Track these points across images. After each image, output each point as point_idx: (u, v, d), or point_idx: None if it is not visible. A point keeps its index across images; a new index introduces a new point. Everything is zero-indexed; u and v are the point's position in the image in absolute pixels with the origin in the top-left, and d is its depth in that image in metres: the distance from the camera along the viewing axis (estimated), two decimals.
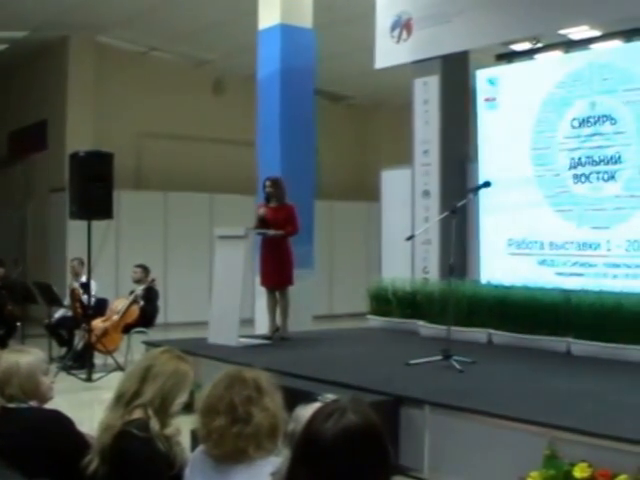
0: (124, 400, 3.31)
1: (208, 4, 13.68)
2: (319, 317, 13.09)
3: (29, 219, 18.05)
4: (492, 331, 9.60)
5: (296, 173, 11.17)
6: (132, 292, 11.52)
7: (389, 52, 11.38)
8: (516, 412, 5.77)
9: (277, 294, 10.02)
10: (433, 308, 10.16)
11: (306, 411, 2.49)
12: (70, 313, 11.68)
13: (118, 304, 11.49)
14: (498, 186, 9.24)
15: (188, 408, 3.40)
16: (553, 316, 8.98)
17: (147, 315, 11.43)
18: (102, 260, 11.41)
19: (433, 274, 10.91)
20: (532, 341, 9.05)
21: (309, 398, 2.63)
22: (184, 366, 3.44)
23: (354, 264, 18.13)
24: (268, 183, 9.93)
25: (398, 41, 11.26)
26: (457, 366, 7.51)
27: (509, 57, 10.79)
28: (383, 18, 11.49)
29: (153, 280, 11.63)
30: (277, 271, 9.86)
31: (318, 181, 12.73)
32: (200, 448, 3.10)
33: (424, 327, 10.35)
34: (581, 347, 8.64)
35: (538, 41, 10.57)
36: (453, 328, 8.19)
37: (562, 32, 10.63)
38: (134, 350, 10.57)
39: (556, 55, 10.36)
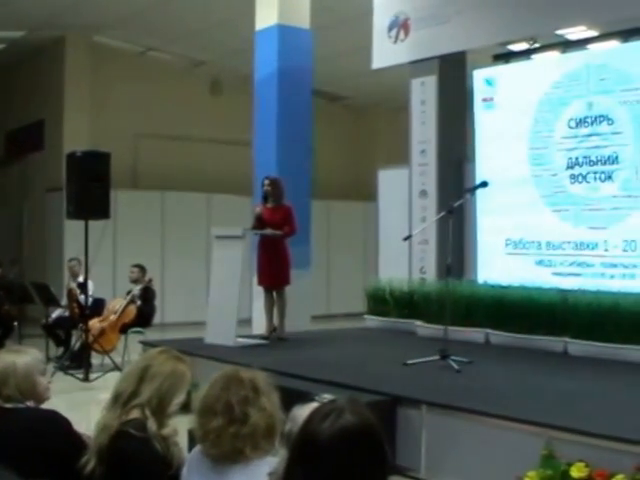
0: (121, 400, 3.31)
1: (205, 4, 13.68)
2: (316, 317, 13.08)
3: (26, 219, 18.03)
4: (489, 331, 9.61)
5: (293, 173, 11.17)
6: (129, 292, 11.52)
7: (386, 52, 11.38)
8: (513, 412, 5.77)
9: (274, 294, 10.02)
10: (430, 308, 10.16)
11: (303, 411, 2.49)
12: (67, 313, 11.67)
13: (115, 304, 11.48)
14: (495, 186, 9.25)
15: (185, 408, 3.40)
16: (550, 316, 8.98)
17: (144, 315, 11.43)
18: (99, 260, 11.41)
19: (430, 274, 10.91)
20: (529, 341, 9.05)
21: (306, 398, 2.63)
22: (181, 366, 3.44)
23: (351, 264, 18.13)
24: (267, 182, 9.92)
25: (395, 41, 11.26)
26: (454, 366, 7.51)
27: (506, 57, 10.79)
28: (380, 18, 11.49)
29: (150, 280, 11.64)
30: (274, 271, 9.86)
31: (315, 181, 12.73)
32: (197, 448, 3.10)
33: (421, 327, 10.36)
34: (578, 347, 8.64)
35: (535, 41, 10.59)
36: (450, 328, 8.18)
37: (559, 32, 10.64)
38: (131, 350, 10.56)
39: (553, 55, 10.36)
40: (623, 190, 8.83)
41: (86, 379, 10.17)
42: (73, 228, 12.46)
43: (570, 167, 9.36)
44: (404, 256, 11.15)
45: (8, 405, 3.51)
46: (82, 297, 11.06)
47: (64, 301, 11.83)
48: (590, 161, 9.14)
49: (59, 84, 16.37)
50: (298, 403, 2.68)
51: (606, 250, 8.98)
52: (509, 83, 10.26)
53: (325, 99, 18.49)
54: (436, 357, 7.70)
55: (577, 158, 9.29)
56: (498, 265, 10.21)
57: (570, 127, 9.39)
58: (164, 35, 15.96)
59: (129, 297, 11.37)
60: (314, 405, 2.33)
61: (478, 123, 10.61)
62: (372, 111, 19.99)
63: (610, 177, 8.94)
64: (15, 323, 11.78)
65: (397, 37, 11.24)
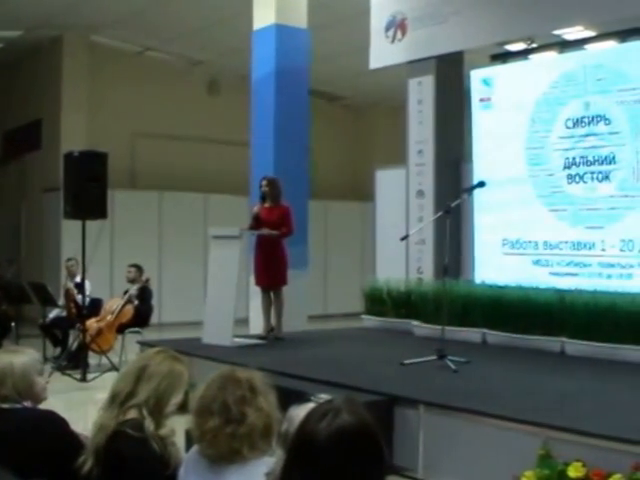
0: (118, 400, 3.31)
1: (203, 4, 13.67)
2: (313, 317, 13.07)
3: (23, 219, 18.01)
4: (486, 331, 9.61)
5: (290, 173, 11.16)
6: (126, 292, 11.51)
7: (384, 52, 11.39)
8: (510, 412, 5.78)
9: (272, 294, 10.02)
10: (427, 308, 10.17)
11: (300, 411, 2.49)
12: (64, 313, 11.66)
13: (113, 304, 11.47)
14: (492, 186, 9.26)
15: (183, 408, 3.40)
16: (547, 316, 8.98)
17: (141, 315, 11.42)
18: (96, 260, 11.40)
19: (427, 274, 10.91)
20: (526, 341, 9.05)
21: (303, 398, 2.62)
22: (179, 366, 3.43)
23: (348, 264, 18.13)
24: (264, 182, 9.92)
25: (393, 41, 11.27)
26: (451, 366, 7.51)
27: (504, 57, 10.80)
28: (378, 18, 11.50)
29: (147, 280, 11.63)
30: (271, 271, 9.86)
31: (312, 181, 12.73)
32: (194, 448, 3.09)
33: (418, 327, 10.36)
34: (575, 347, 8.65)
35: (533, 41, 10.60)
36: (447, 328, 8.20)
37: (556, 32, 10.64)
38: (128, 350, 10.56)
39: (550, 55, 10.37)
40: (620, 190, 8.84)
41: (83, 379, 10.15)
42: (70, 228, 12.46)
43: (567, 167, 9.37)
44: (401, 256, 11.16)
45: (5, 405, 3.50)
46: (79, 297, 11.06)
47: (61, 301, 11.82)
48: (587, 161, 9.15)
49: (57, 84, 16.35)
50: (295, 403, 2.68)
51: (603, 250, 8.99)
52: (506, 83, 10.27)
53: (322, 99, 18.47)
54: (433, 357, 7.70)
55: (574, 158, 9.30)
56: (495, 265, 10.22)
57: (567, 127, 9.40)
58: (162, 35, 15.95)
59: (126, 297, 11.37)
60: (311, 405, 2.33)
61: (475, 123, 10.62)
62: (370, 111, 19.99)
63: (607, 177, 8.95)
64: (12, 323, 11.78)
65: (394, 37, 11.24)
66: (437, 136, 11.05)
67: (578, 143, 9.28)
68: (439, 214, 8.58)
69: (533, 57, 10.58)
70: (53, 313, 11.88)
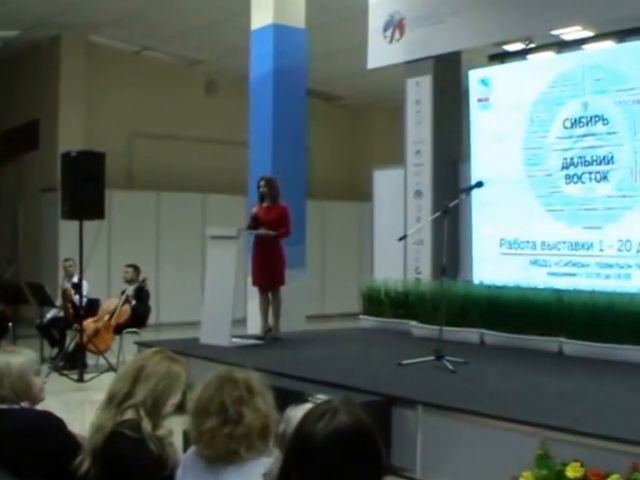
0: (116, 401, 3.30)
1: (201, 4, 13.66)
2: (311, 317, 13.07)
3: (21, 219, 17.99)
4: (484, 331, 9.61)
5: (288, 173, 11.15)
6: (124, 292, 11.50)
7: (381, 52, 11.38)
8: (508, 412, 5.77)
9: (269, 294, 10.01)
10: (425, 308, 10.17)
11: (297, 412, 2.49)
12: (62, 313, 11.65)
13: (110, 304, 11.47)
14: (490, 186, 9.25)
15: (180, 409, 3.39)
16: (545, 316, 8.98)
17: (139, 315, 11.40)
18: (94, 260, 11.37)
19: (425, 274, 10.91)
20: (524, 341, 9.05)
21: (300, 399, 2.62)
22: (176, 367, 3.43)
23: (346, 264, 18.12)
24: (262, 183, 9.91)
25: (390, 41, 11.26)
26: (449, 366, 7.51)
27: (502, 57, 10.80)
28: (375, 18, 11.49)
29: (144, 280, 11.62)
30: (269, 271, 9.85)
31: (310, 181, 12.73)
32: (192, 449, 3.09)
33: (416, 327, 10.35)
34: (573, 347, 8.64)
35: (531, 41, 10.59)
36: (445, 328, 8.19)
37: (555, 32, 10.64)
38: (126, 351, 10.54)
39: (548, 55, 10.37)
40: (618, 190, 8.84)
41: (80, 380, 10.14)
42: (68, 228, 12.43)
43: (565, 167, 9.37)
44: (399, 256, 11.16)
45: (2, 406, 3.49)
46: (77, 297, 11.05)
47: (59, 301, 11.80)
48: (585, 161, 9.15)
49: (54, 84, 16.32)
50: (292, 403, 2.68)
51: (601, 250, 8.99)
52: (504, 83, 10.27)
53: (320, 99, 18.47)
54: (431, 357, 7.69)
55: (572, 158, 9.30)
56: (493, 265, 10.22)
57: (565, 127, 9.40)
58: (159, 35, 15.94)
59: (123, 297, 11.35)
60: (308, 406, 2.32)
61: (473, 123, 10.62)
62: (368, 111, 19.98)
63: (605, 177, 8.95)
64: (10, 324, 11.76)
65: (392, 37, 11.23)
66: (435, 136, 11.05)
67: (576, 143, 9.28)
68: (437, 214, 8.58)
69: (531, 57, 10.58)
70: (50, 313, 11.85)
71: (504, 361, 8.50)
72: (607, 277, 8.93)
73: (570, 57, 9.73)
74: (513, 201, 9.92)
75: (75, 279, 11.45)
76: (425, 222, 10.08)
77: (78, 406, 8.65)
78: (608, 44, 9.66)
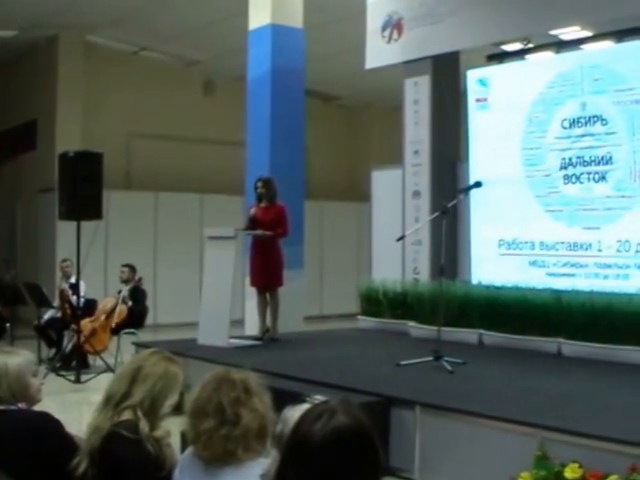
0: (113, 401, 3.30)
1: (198, 4, 13.66)
2: (309, 318, 13.06)
3: (18, 220, 17.97)
4: (483, 332, 9.60)
5: (286, 173, 11.15)
6: (120, 292, 11.48)
7: (380, 52, 11.37)
8: (507, 413, 5.77)
9: (267, 295, 10.00)
10: (424, 309, 10.16)
11: (295, 412, 2.48)
12: (59, 314, 11.63)
13: (106, 303, 11.44)
14: (489, 186, 9.24)
15: (178, 409, 3.38)
16: (544, 317, 8.97)
17: (136, 315, 11.38)
18: (91, 261, 11.36)
19: (424, 275, 10.90)
20: (523, 342, 9.04)
21: (298, 399, 2.61)
22: (174, 367, 3.42)
23: (344, 265, 18.11)
24: (259, 184, 9.90)
25: (389, 41, 11.25)
26: (448, 367, 7.50)
27: (500, 57, 10.79)
28: (374, 18, 11.48)
29: (140, 279, 11.58)
30: (267, 272, 9.84)
31: (308, 181, 12.73)
32: (189, 450, 3.09)
33: (415, 328, 10.34)
34: (572, 348, 8.63)
35: (529, 41, 10.59)
36: (443, 329, 8.18)
37: (553, 33, 10.65)
38: (124, 351, 10.53)
39: (547, 56, 10.37)
40: (617, 190, 8.83)
41: (78, 380, 10.13)
42: (65, 229, 12.41)
43: (564, 167, 9.36)
44: (397, 257, 11.14)
45: (0, 407, 3.48)
46: (74, 298, 11.02)
47: (56, 302, 11.79)
48: (584, 161, 9.14)
49: (52, 84, 16.31)
50: (290, 404, 2.67)
51: (600, 250, 8.98)
52: (503, 83, 10.26)
53: (318, 99, 18.47)
54: (429, 358, 7.69)
55: (571, 158, 9.29)
56: (492, 265, 10.21)
57: (564, 127, 9.39)
58: (157, 35, 15.94)
59: (119, 298, 11.32)
60: (306, 406, 2.31)
61: (472, 123, 10.61)
62: (366, 111, 19.98)
63: (604, 177, 8.94)
64: (7, 324, 11.74)
65: (390, 37, 11.22)
66: (433, 136, 11.03)
67: (575, 143, 9.27)
68: (435, 214, 8.57)
69: (529, 57, 10.58)
70: (48, 314, 11.84)
71: (503, 362, 8.49)
72: (606, 277, 8.92)
73: (569, 57, 9.72)
74: (512, 201, 9.90)
75: (73, 280, 11.43)
76: (423, 222, 10.07)
77: (75, 407, 8.65)
78: (607, 44, 9.66)
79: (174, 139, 17.13)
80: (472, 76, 10.59)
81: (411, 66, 11.19)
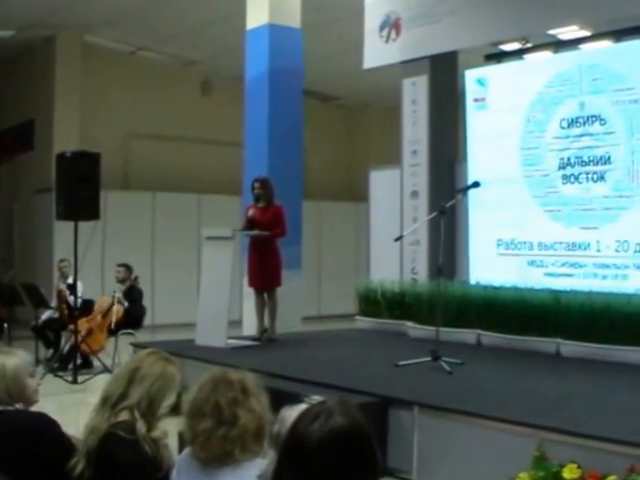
0: (110, 402, 3.30)
1: (196, 4, 13.65)
2: (307, 318, 13.05)
3: (15, 220, 17.96)
4: (481, 332, 9.59)
5: (284, 173, 11.15)
6: (114, 292, 11.44)
7: (378, 52, 11.37)
8: (505, 413, 5.76)
9: (265, 295, 9.99)
10: (422, 309, 10.15)
11: (292, 412, 2.46)
12: (57, 315, 11.62)
13: (102, 302, 11.40)
14: (487, 186, 9.23)
15: (175, 410, 3.37)
16: (542, 317, 8.97)
17: (133, 315, 11.35)
18: (88, 261, 11.34)
19: (422, 275, 10.89)
20: (521, 342, 9.03)
21: (295, 399, 2.60)
22: (171, 368, 3.42)
23: (342, 265, 18.11)
24: (257, 185, 9.88)
25: (387, 41, 11.25)
26: (446, 367, 7.49)
27: (498, 57, 10.78)
28: (372, 18, 11.48)
29: (136, 278, 11.56)
30: (265, 272, 9.83)
31: (306, 181, 12.72)
32: (187, 450, 3.09)
33: (413, 328, 10.34)
34: (570, 348, 8.63)
35: (527, 41, 10.57)
36: (442, 329, 8.17)
37: (551, 32, 10.62)
38: (121, 352, 10.51)
39: (545, 55, 10.36)
40: (615, 190, 8.82)
41: (75, 381, 10.11)
42: (63, 229, 12.41)
43: (562, 167, 9.35)
44: (395, 257, 11.13)
45: None
46: (71, 298, 11.00)
47: (54, 302, 11.77)
48: (582, 161, 9.13)
49: (49, 84, 16.29)
50: (287, 404, 2.65)
51: (598, 251, 8.97)
52: (501, 83, 10.25)
53: (316, 99, 18.46)
54: (427, 358, 7.67)
55: (569, 158, 9.28)
56: (490, 266, 10.20)
57: (562, 127, 9.38)
58: (155, 35, 15.92)
59: (115, 298, 11.28)
60: (303, 406, 2.30)
61: (470, 123, 10.60)
62: (364, 111, 19.98)
63: (602, 177, 8.93)
64: (5, 325, 11.73)
65: (388, 37, 11.22)
66: (431, 136, 11.03)
67: (573, 143, 9.26)
68: (433, 214, 8.56)
69: (528, 57, 10.56)
70: (45, 315, 11.83)
71: (501, 362, 8.48)
72: (604, 278, 8.91)
73: (567, 57, 9.71)
74: (510, 201, 9.89)
75: (70, 280, 11.41)
76: (421, 222, 10.05)
77: (73, 408, 8.63)
78: (605, 44, 9.65)
79: (172, 139, 17.12)
80: (470, 76, 10.58)
81: (409, 66, 11.18)
